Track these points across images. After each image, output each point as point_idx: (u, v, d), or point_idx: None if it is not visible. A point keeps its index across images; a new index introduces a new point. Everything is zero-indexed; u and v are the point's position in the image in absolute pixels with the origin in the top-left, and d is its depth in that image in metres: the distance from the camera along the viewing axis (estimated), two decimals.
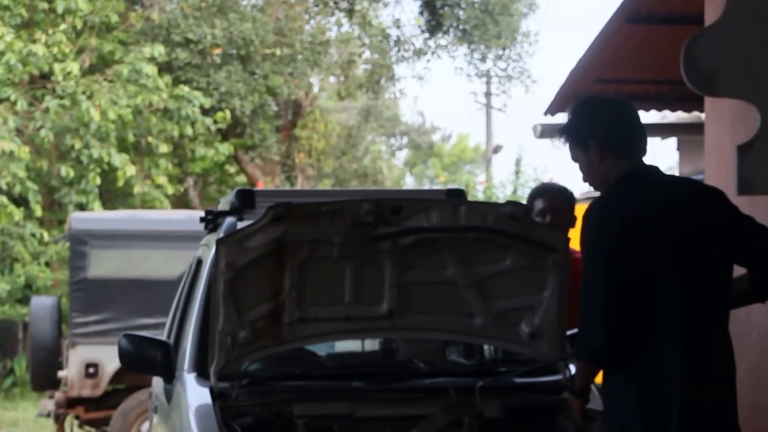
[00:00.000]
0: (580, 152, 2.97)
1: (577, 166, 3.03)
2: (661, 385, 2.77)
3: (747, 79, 3.60)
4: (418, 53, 17.15)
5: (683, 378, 2.77)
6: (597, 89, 6.68)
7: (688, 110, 7.31)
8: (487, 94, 25.01)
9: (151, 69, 13.16)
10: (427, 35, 17.18)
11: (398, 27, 17.16)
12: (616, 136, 2.93)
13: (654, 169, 2.96)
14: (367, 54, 17.13)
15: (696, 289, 2.84)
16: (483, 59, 17.66)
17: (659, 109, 7.25)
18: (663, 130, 8.71)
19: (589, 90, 6.66)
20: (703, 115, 5.31)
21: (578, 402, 2.95)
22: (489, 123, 26.00)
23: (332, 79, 18.15)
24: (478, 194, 19.13)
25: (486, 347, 4.21)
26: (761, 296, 2.99)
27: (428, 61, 17.54)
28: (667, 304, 2.80)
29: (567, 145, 3.01)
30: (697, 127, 6.74)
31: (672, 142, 12.00)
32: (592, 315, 2.78)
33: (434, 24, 16.97)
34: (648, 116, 7.41)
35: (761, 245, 2.91)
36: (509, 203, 3.67)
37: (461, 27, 16.93)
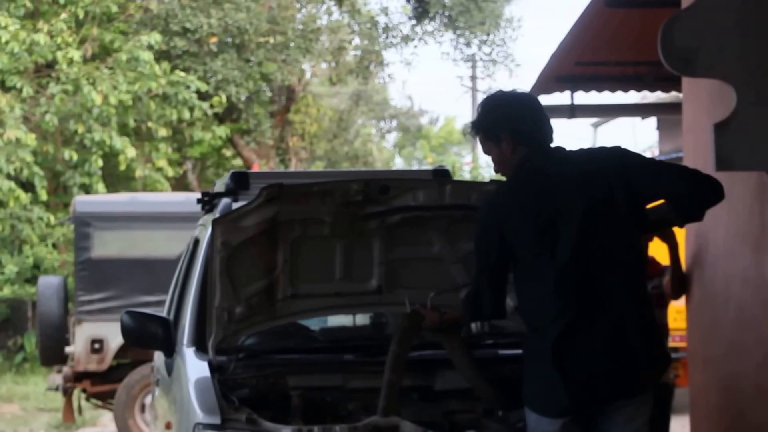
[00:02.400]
0: (492, 145, 3.05)
1: (490, 158, 3.13)
2: (546, 345, 2.94)
3: (723, 60, 3.55)
4: (406, 39, 17.08)
5: (559, 343, 2.92)
6: (578, 72, 6.63)
7: (666, 90, 7.26)
8: (473, 78, 24.94)
9: (148, 56, 13.08)
10: (414, 22, 17.10)
11: (386, 14, 17.07)
12: (525, 128, 3.01)
13: (554, 151, 3.03)
14: (356, 41, 17.04)
15: (586, 256, 2.92)
16: (468, 44, 17.60)
17: (638, 90, 7.21)
18: (643, 110, 8.67)
19: (570, 72, 6.61)
20: (681, 95, 5.26)
21: (437, 315, 3.27)
22: (475, 106, 25.93)
23: (324, 65, 18.05)
24: (464, 174, 19.07)
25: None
26: (680, 221, 3.04)
27: (415, 47, 17.47)
28: (554, 274, 2.92)
29: (478, 139, 3.10)
30: (675, 107, 6.69)
31: (652, 121, 11.99)
32: (477, 288, 3.09)
33: (421, 11, 16.89)
34: (628, 97, 7.35)
35: (668, 184, 2.95)
36: (492, 182, 3.65)
37: (447, 14, 16.85)
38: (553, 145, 3.07)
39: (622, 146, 3.05)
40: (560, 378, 2.88)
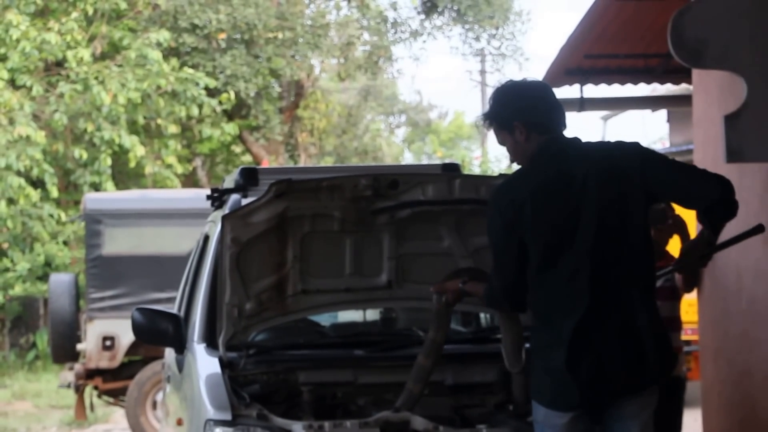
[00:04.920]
0: (506, 135, 3.03)
1: (504, 148, 3.10)
2: (560, 338, 2.91)
3: (733, 51, 3.53)
4: (415, 34, 17.05)
5: (575, 336, 2.89)
6: (587, 64, 6.61)
7: (676, 82, 7.23)
8: (482, 72, 24.88)
9: (156, 54, 13.11)
10: (422, 17, 17.07)
11: (395, 9, 17.06)
12: (538, 116, 2.99)
13: (570, 142, 3.00)
14: (365, 36, 17.01)
15: (600, 251, 2.90)
16: (477, 39, 17.57)
17: (648, 82, 7.17)
18: (653, 102, 8.63)
19: (579, 65, 6.59)
20: (691, 87, 5.24)
21: (459, 289, 3.19)
22: (484, 100, 25.88)
23: (332, 60, 18.02)
24: (474, 169, 19.05)
25: (482, 315, 4.17)
26: (713, 232, 2.97)
27: (424, 41, 17.46)
28: (567, 269, 2.89)
29: (492, 130, 3.07)
30: (685, 99, 6.66)
31: (662, 114, 11.93)
32: (498, 285, 3.02)
33: (429, 6, 16.86)
34: (638, 89, 7.32)
35: (686, 186, 2.91)
36: (502, 176, 3.64)
37: (455, 8, 16.81)
38: (568, 135, 3.04)
39: (641, 143, 3.02)
40: (572, 373, 2.88)
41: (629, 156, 2.94)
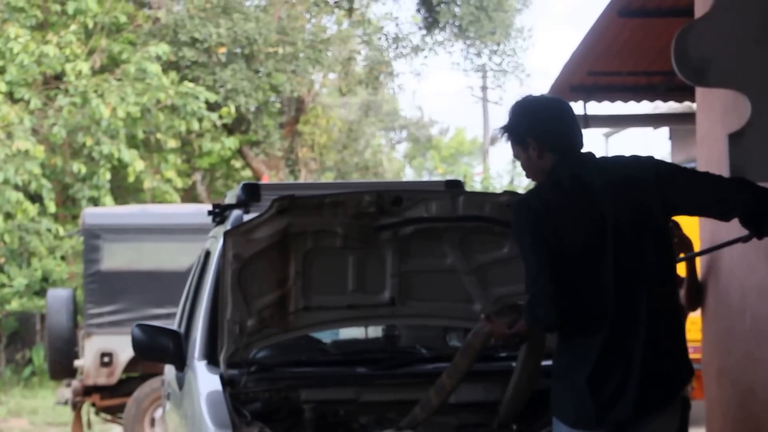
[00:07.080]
0: (520, 150, 3.01)
1: (519, 163, 3.08)
2: (594, 353, 2.87)
3: (737, 69, 3.56)
4: (416, 50, 17.12)
5: (606, 349, 2.86)
6: (591, 81, 6.64)
7: (679, 100, 7.27)
8: (483, 88, 24.95)
9: (155, 68, 13.16)
10: (424, 32, 17.15)
11: (396, 24, 17.13)
12: (552, 133, 2.96)
13: (585, 158, 2.98)
14: (366, 51, 17.08)
15: (622, 267, 2.87)
16: (478, 54, 17.65)
17: (651, 100, 7.21)
18: (655, 120, 8.68)
19: (583, 82, 6.63)
20: (694, 105, 5.27)
21: (503, 328, 3.09)
22: (485, 116, 25.97)
23: (333, 75, 18.08)
24: (475, 185, 19.08)
25: None
26: (757, 234, 2.95)
27: (425, 57, 17.52)
28: (598, 282, 2.86)
29: (509, 144, 3.06)
30: (688, 117, 6.70)
31: (664, 131, 11.99)
32: (535, 292, 2.89)
33: (431, 21, 16.93)
34: (640, 107, 7.36)
35: (704, 193, 2.91)
36: (506, 193, 3.66)
37: (457, 23, 16.90)
38: (583, 151, 3.01)
39: (655, 157, 2.99)
40: (595, 392, 2.85)
41: (644, 169, 2.92)
